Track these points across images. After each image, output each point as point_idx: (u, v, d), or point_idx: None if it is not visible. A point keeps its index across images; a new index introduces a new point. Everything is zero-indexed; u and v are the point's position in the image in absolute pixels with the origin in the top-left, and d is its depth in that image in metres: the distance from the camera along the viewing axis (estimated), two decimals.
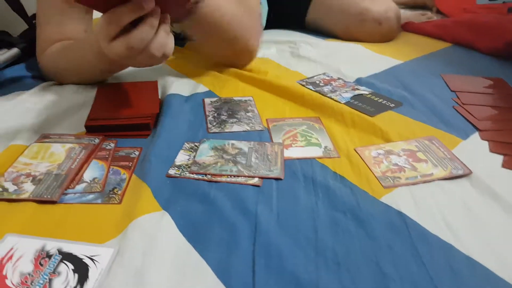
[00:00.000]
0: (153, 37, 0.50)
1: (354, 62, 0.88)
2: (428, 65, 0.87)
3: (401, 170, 0.51)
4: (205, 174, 0.50)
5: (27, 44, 0.86)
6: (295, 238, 0.41)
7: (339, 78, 0.78)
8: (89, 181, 0.48)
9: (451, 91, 0.75)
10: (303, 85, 0.75)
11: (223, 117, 0.64)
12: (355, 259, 0.39)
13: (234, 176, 0.50)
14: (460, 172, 0.50)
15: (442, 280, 0.37)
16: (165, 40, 0.51)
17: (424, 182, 0.49)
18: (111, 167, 0.51)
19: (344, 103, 0.67)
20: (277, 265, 0.38)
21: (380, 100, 0.69)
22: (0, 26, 0.91)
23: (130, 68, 0.82)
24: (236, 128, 0.61)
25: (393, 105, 0.67)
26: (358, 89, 0.73)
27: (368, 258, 0.39)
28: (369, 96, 0.70)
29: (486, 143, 0.58)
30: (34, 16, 0.93)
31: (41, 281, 0.36)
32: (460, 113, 0.66)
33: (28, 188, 0.46)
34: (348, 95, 0.71)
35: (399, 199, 0.46)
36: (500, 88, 0.76)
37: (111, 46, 0.49)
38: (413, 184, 0.49)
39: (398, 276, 0.37)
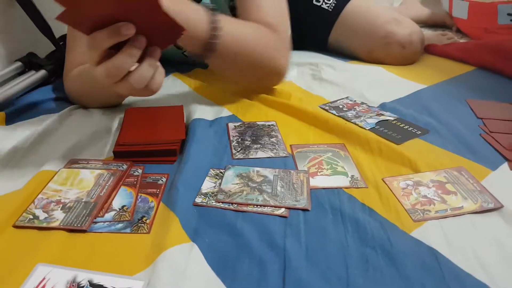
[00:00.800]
0: (136, 67, 0.49)
1: (377, 85, 0.88)
2: (452, 90, 0.86)
3: (430, 202, 0.50)
4: (232, 203, 0.50)
5: (54, 66, 0.88)
6: (325, 275, 0.40)
7: (362, 103, 0.78)
8: (118, 209, 0.49)
9: (478, 117, 0.73)
10: (326, 110, 0.75)
11: (247, 143, 0.64)
12: None
13: (261, 206, 0.50)
14: (491, 206, 0.49)
15: None
16: (147, 74, 0.50)
17: (454, 215, 0.48)
18: (139, 194, 0.52)
19: (369, 129, 0.67)
20: None
21: (406, 127, 0.68)
22: (28, 47, 0.93)
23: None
24: (260, 154, 0.61)
25: (419, 132, 0.67)
26: (383, 114, 0.73)
27: None
28: (394, 122, 0.70)
29: None
30: (61, 37, 0.95)
31: None
32: (488, 142, 0.65)
33: (58, 216, 0.47)
34: (373, 120, 0.70)
35: (430, 234, 0.45)
36: None
37: (96, 70, 0.49)
38: (443, 217, 0.48)
39: None
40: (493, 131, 0.68)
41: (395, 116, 0.72)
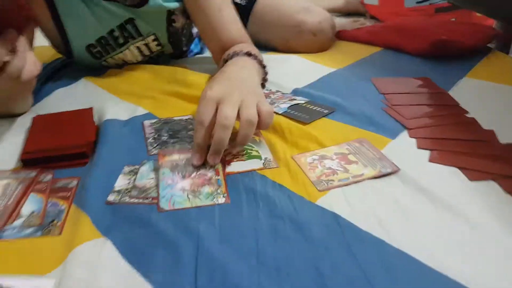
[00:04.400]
0: None
1: (292, 73, 0.92)
2: (359, 71, 0.92)
3: (334, 173, 0.54)
4: (146, 198, 0.50)
5: None
6: (238, 250, 0.42)
7: (277, 91, 0.81)
8: (27, 215, 0.48)
9: (381, 93, 0.79)
10: None
11: (164, 138, 0.65)
12: (294, 263, 0.41)
13: None
14: (389, 170, 0.54)
15: (375, 275, 0.39)
16: None
17: (356, 182, 0.52)
18: (50, 199, 0.51)
19: (281, 113, 0.70)
20: (220, 278, 0.39)
21: (315, 108, 0.72)
22: None
23: (64, 96, 0.82)
24: (177, 147, 0.62)
25: (326, 111, 0.71)
26: (295, 99, 0.76)
27: (307, 261, 0.41)
28: (304, 105, 0.74)
29: (414, 141, 0.62)
30: None
31: None
32: (389, 114, 0.71)
33: None
34: (285, 105, 0.74)
35: (333, 201, 0.49)
36: (427, 87, 0.82)
37: None
38: (346, 185, 0.52)
39: (334, 275, 0.39)
40: (394, 104, 0.74)
41: (306, 99, 0.76)
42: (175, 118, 0.71)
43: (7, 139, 0.65)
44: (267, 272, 0.40)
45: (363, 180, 0.53)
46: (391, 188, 0.51)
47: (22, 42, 0.51)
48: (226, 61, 0.72)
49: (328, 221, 0.46)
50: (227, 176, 0.55)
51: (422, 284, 0.39)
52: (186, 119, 0.71)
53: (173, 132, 0.67)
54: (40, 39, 0.88)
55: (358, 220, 0.46)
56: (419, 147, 0.60)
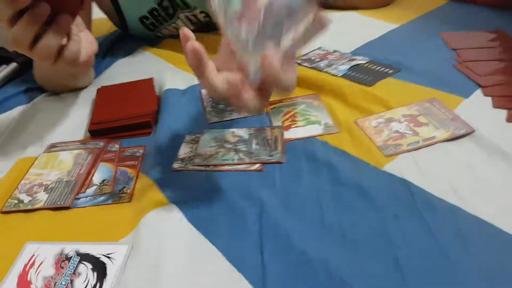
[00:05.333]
0: (41, 38, 0.47)
1: (350, 31, 0.87)
2: (425, 26, 0.86)
3: (402, 136, 0.51)
4: (208, 165, 0.51)
5: (25, 57, 0.87)
6: (301, 217, 0.42)
7: (335, 51, 0.77)
8: (98, 184, 0.50)
9: (451, 49, 0.73)
10: (298, 64, 0.74)
11: (221, 106, 0.65)
12: (361, 231, 0.39)
13: (236, 164, 0.51)
14: (463, 132, 0.50)
15: (449, 244, 0.37)
16: (51, 41, 0.48)
17: (427, 146, 0.49)
18: (118, 167, 0.53)
19: (341, 76, 0.67)
20: (285, 245, 0.39)
21: (378, 68, 0.68)
22: None
23: (124, 67, 0.84)
24: (235, 115, 0.62)
25: (391, 71, 0.67)
26: (355, 59, 0.72)
27: (375, 230, 0.39)
28: (366, 65, 0.70)
29: (489, 99, 0.57)
30: None
31: (63, 283, 0.38)
32: (461, 71, 0.65)
33: (42, 197, 0.48)
34: (345, 67, 0.70)
35: (402, 167, 0.46)
36: (502, 40, 0.74)
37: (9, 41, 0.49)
38: (416, 149, 0.49)
39: (405, 244, 0.38)
40: (466, 60, 0.68)
41: (367, 59, 0.72)
42: None
43: (74, 111, 0.68)
44: (333, 239, 0.39)
45: (435, 143, 0.49)
46: (465, 151, 0.48)
47: (78, 25, 0.51)
48: None
49: (397, 188, 0.44)
50: (285, 143, 0.54)
51: (501, 253, 0.36)
52: None
53: None
54: (98, 11, 0.90)
55: (431, 187, 0.43)
56: (495, 106, 0.56)
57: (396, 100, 0.58)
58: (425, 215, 0.40)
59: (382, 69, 0.68)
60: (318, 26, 0.35)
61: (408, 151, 0.49)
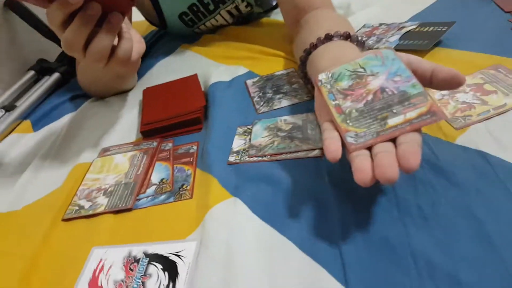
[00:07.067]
0: (94, 39, 0.47)
1: (397, 4, 0.83)
2: None
3: (471, 107, 0.47)
4: (264, 156, 0.49)
5: (66, 66, 0.89)
6: (376, 202, 0.39)
7: (380, 24, 0.74)
8: (158, 183, 0.49)
9: (506, 12, 0.68)
10: None
11: (268, 95, 0.63)
12: (443, 210, 0.37)
13: (294, 152, 0.49)
14: None
15: None
16: (103, 41, 0.47)
17: (499, 114, 0.45)
18: (175, 165, 0.52)
19: (394, 48, 0.63)
20: (363, 231, 0.36)
21: (431, 29, 0.63)
22: (37, 54, 0.94)
23: (166, 67, 0.83)
24: (284, 103, 0.60)
25: (445, 28, 0.62)
26: (404, 27, 0.68)
27: (457, 207, 0.36)
28: (417, 29, 0.65)
29: None
30: None
31: (135, 285, 0.37)
32: None
33: (102, 201, 0.48)
34: (395, 38, 0.66)
35: (476, 138, 0.43)
36: None
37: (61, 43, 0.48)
38: (487, 119, 0.45)
39: (493, 218, 0.35)
40: None
41: (416, 23, 0.68)
42: (276, 73, 0.69)
43: (124, 115, 0.68)
44: (414, 222, 0.36)
45: (508, 110, 0.45)
46: None
47: (126, 23, 0.50)
48: (315, 46, 0.52)
49: (475, 161, 0.41)
50: None
51: None
52: (287, 73, 0.68)
53: (277, 88, 0.64)
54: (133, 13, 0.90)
55: (511, 155, 0.40)
56: None
57: (457, 69, 0.54)
58: (509, 186, 0.37)
59: (435, 28, 0.63)
60: (431, 118, 0.34)
61: (480, 121, 0.45)
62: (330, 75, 0.43)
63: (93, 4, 0.45)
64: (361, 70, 0.41)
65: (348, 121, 0.38)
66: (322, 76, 0.43)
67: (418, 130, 0.34)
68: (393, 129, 0.34)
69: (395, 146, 0.33)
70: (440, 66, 0.38)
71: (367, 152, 0.34)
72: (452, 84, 0.38)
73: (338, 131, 0.38)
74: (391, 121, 0.35)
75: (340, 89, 0.41)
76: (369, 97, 0.38)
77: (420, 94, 0.36)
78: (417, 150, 0.32)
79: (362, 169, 0.32)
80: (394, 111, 0.36)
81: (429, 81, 0.39)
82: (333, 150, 0.35)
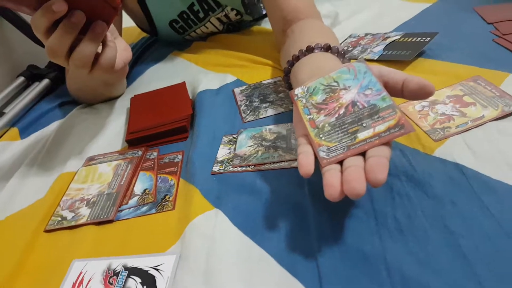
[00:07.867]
0: (78, 47, 0.48)
1: (381, 14, 0.84)
2: (459, 1, 0.81)
3: (450, 119, 0.48)
4: (248, 166, 0.50)
5: (56, 73, 0.89)
6: (352, 212, 0.40)
7: (366, 34, 0.75)
8: (140, 194, 0.50)
9: (488, 23, 0.69)
10: None
11: (255, 104, 0.63)
12: (418, 222, 0.37)
13: (277, 162, 0.49)
14: None
15: None
16: (86, 49, 0.48)
17: (476, 126, 0.46)
18: (159, 175, 0.52)
19: (377, 59, 0.64)
20: (339, 242, 0.37)
21: (414, 39, 0.64)
22: (28, 60, 0.94)
23: (156, 74, 0.84)
24: (270, 112, 0.60)
25: (428, 38, 0.63)
26: (388, 37, 0.69)
27: (432, 219, 0.37)
28: (401, 39, 0.66)
29: None
30: None
31: None
32: (501, 45, 0.61)
33: (84, 212, 0.48)
34: (379, 48, 0.67)
35: (453, 150, 0.44)
36: None
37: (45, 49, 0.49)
38: (465, 130, 0.46)
39: (467, 231, 0.35)
40: (506, 33, 0.64)
41: (401, 32, 0.69)
42: (264, 82, 0.69)
43: (111, 122, 0.69)
44: (390, 234, 0.37)
45: (485, 122, 0.46)
46: None
47: (112, 32, 0.51)
48: (298, 58, 0.53)
49: (451, 173, 0.41)
50: None
51: None
52: (275, 82, 0.69)
53: (263, 97, 0.65)
54: (125, 19, 0.91)
55: (486, 168, 0.41)
56: None
57: (438, 81, 0.55)
58: (484, 199, 0.38)
59: (418, 39, 0.64)
60: (399, 131, 0.35)
61: (458, 133, 0.46)
62: (306, 89, 0.43)
63: (77, 12, 0.46)
64: (335, 84, 0.42)
65: (321, 135, 0.38)
66: (298, 91, 0.44)
67: (387, 144, 0.35)
68: (363, 143, 0.35)
69: (365, 160, 0.34)
70: (411, 77, 0.39)
71: (338, 166, 0.35)
72: (421, 94, 0.38)
73: (312, 145, 0.38)
74: (361, 135, 0.36)
75: (315, 103, 0.41)
76: (341, 111, 0.39)
77: (389, 107, 0.37)
78: (384, 163, 0.32)
79: (331, 184, 0.33)
80: (364, 124, 0.37)
81: (400, 91, 0.39)
82: (305, 165, 0.35)
